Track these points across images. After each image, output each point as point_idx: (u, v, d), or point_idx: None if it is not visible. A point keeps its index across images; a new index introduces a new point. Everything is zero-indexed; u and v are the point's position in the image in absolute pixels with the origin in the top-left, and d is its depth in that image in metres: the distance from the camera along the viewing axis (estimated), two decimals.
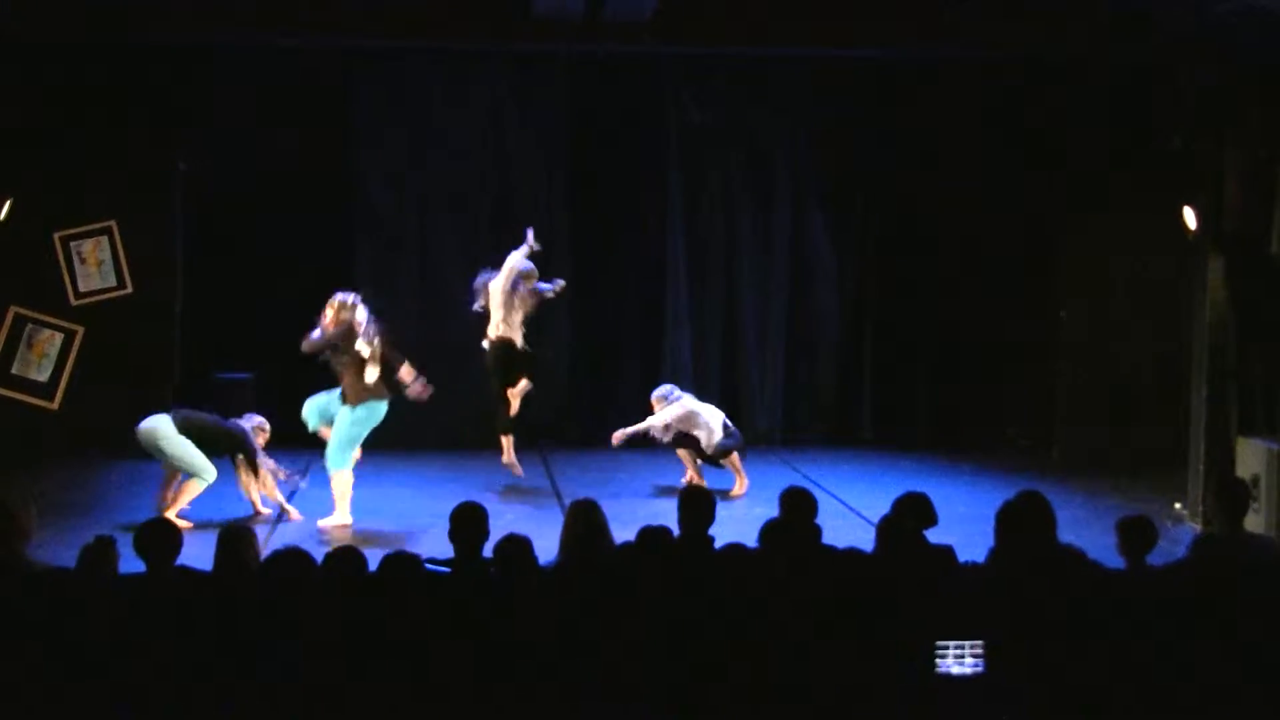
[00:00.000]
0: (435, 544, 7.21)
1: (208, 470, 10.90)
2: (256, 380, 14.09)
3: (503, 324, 12.53)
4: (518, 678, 6.04)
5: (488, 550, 6.69)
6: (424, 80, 14.82)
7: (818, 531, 7.20)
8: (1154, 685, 6.30)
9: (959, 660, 6.17)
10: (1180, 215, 11.88)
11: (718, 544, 6.99)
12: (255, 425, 11.30)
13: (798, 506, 7.30)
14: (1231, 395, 11.56)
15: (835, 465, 13.80)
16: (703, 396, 13.69)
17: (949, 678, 6.16)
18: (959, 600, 6.50)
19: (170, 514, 10.57)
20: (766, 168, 15.50)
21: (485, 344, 12.68)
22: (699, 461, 12.53)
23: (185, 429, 10.92)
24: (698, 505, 7.17)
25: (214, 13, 11.38)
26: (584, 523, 7.09)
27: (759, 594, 6.40)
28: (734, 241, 15.53)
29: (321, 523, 10.88)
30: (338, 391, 11.10)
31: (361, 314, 11.01)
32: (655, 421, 12.43)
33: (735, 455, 12.48)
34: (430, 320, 15.02)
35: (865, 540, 7.28)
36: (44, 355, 14.00)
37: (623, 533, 7.15)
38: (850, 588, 6.51)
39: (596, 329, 15.12)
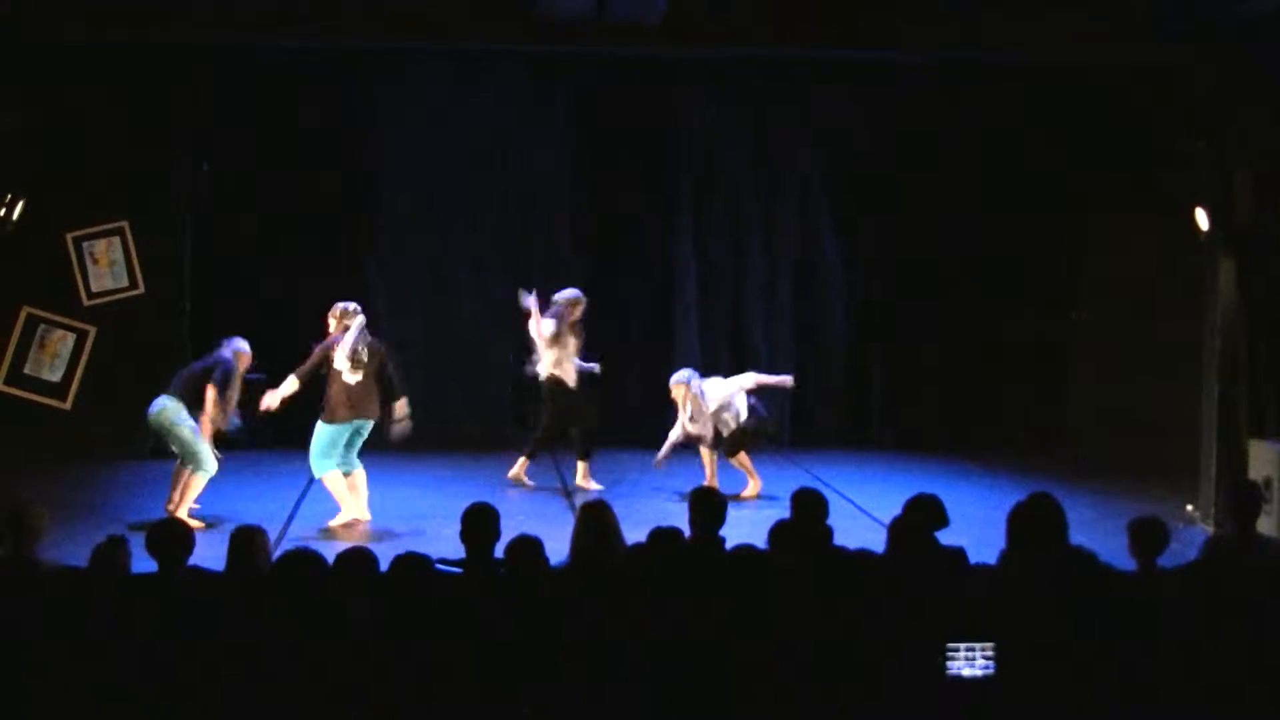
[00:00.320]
0: (446, 544, 7.20)
1: (208, 463, 10.89)
2: (267, 381, 14.07)
3: (554, 364, 12.57)
4: (528, 678, 6.04)
5: (499, 551, 6.70)
6: (434, 81, 14.84)
7: (829, 533, 7.20)
8: (1165, 687, 6.29)
9: (970, 662, 6.16)
10: (1191, 216, 11.87)
11: (729, 545, 6.99)
12: (235, 349, 11.24)
13: (809, 508, 7.29)
14: (1242, 397, 11.53)
15: (846, 466, 13.79)
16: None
17: (960, 679, 6.16)
18: (970, 602, 6.49)
19: (180, 513, 10.59)
20: (775, 169, 15.53)
21: (540, 376, 12.73)
22: (717, 454, 12.47)
23: (182, 396, 10.93)
24: (708, 506, 7.17)
25: (225, 13, 11.39)
26: (595, 524, 7.09)
27: (770, 595, 6.40)
28: (742, 243, 15.55)
29: (331, 523, 10.87)
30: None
31: (357, 324, 11.00)
32: (678, 431, 12.42)
33: (746, 456, 12.46)
34: (439, 321, 15.09)
35: (876, 542, 7.28)
36: (56, 355, 14.03)
37: (634, 533, 7.16)
38: (861, 589, 6.50)
39: (604, 331, 15.12)
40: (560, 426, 12.80)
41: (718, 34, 11.84)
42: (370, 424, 11.12)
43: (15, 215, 13.42)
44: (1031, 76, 14.08)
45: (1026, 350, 15.19)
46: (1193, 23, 11.06)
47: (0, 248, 13.58)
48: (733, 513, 7.35)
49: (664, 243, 15.43)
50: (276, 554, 6.87)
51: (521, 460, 12.79)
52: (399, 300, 14.91)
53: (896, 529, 7.04)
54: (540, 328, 12.59)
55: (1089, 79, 13.68)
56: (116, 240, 14.11)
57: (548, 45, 12.60)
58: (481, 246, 15.18)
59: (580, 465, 12.79)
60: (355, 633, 6.03)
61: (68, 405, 14.06)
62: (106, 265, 14.12)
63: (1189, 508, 11.74)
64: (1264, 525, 7.60)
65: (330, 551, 6.48)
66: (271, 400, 11.01)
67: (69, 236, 14.02)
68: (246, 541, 6.63)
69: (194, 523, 10.13)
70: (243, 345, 11.31)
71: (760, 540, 6.96)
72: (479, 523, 6.78)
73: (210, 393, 10.92)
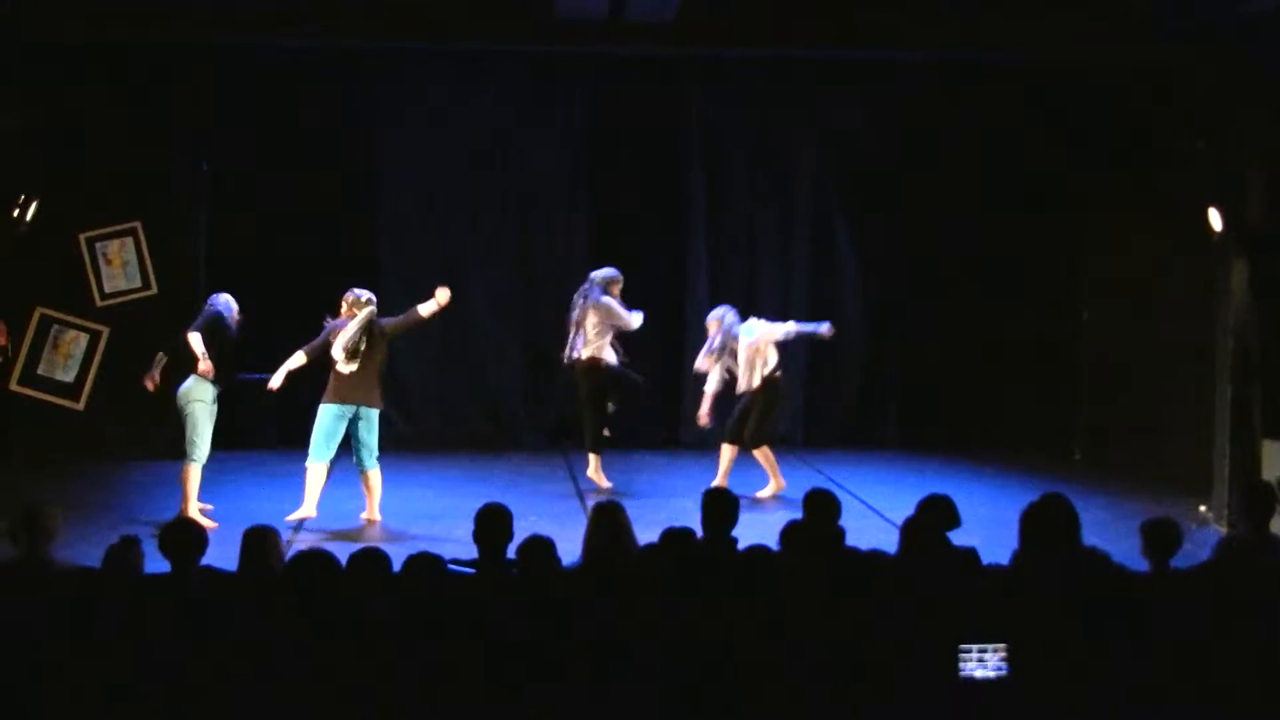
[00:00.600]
0: (459, 545, 7.21)
1: (200, 451, 10.89)
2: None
3: (592, 345, 12.46)
4: (540, 679, 6.05)
5: (511, 551, 6.71)
6: (437, 81, 14.86)
7: (841, 533, 7.20)
8: (1178, 688, 6.28)
9: (982, 662, 6.15)
10: (1195, 215, 11.85)
11: (741, 546, 6.99)
12: (220, 302, 11.26)
13: (821, 508, 7.30)
14: (1256, 397, 11.51)
15: (858, 467, 13.78)
16: (724, 397, 13.67)
17: (972, 680, 6.15)
18: (982, 603, 6.48)
19: (190, 511, 10.60)
20: (788, 168, 15.53)
21: (577, 363, 12.58)
22: (735, 451, 12.45)
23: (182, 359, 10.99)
24: (720, 507, 7.17)
25: (229, 14, 11.41)
26: (607, 524, 7.10)
27: (782, 596, 6.40)
28: (754, 242, 15.56)
29: (289, 517, 10.84)
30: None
31: (365, 313, 11.01)
32: (713, 380, 12.42)
33: (770, 452, 12.41)
34: (451, 321, 15.04)
35: (889, 542, 7.28)
36: (69, 356, 14.06)
37: (646, 534, 7.16)
38: (873, 590, 6.50)
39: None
40: (599, 403, 12.60)
41: (727, 33, 11.84)
42: (374, 413, 11.11)
43: (29, 216, 13.44)
44: (1033, 76, 14.09)
45: (1037, 350, 15.17)
46: (1193, 23, 11.05)
47: (14, 248, 13.62)
48: (745, 514, 7.36)
49: (672, 243, 15.43)
50: (289, 554, 6.88)
51: (594, 460, 12.64)
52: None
53: (909, 529, 7.03)
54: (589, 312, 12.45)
55: (1089, 79, 13.67)
56: (129, 241, 14.13)
57: (560, 45, 12.61)
58: (488, 247, 15.18)
59: (593, 458, 12.67)
60: (367, 633, 6.04)
61: (81, 406, 14.08)
62: (119, 266, 14.14)
63: (1202, 508, 11.72)
64: (1277, 526, 7.57)
65: (343, 552, 6.49)
66: (277, 377, 11.04)
67: (82, 237, 14.04)
68: (259, 541, 6.65)
69: (206, 522, 10.16)
70: (220, 298, 11.29)
71: (772, 541, 6.95)
72: (491, 523, 6.79)
73: (194, 339, 10.91)
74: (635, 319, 12.50)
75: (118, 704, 5.94)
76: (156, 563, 6.62)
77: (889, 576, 6.69)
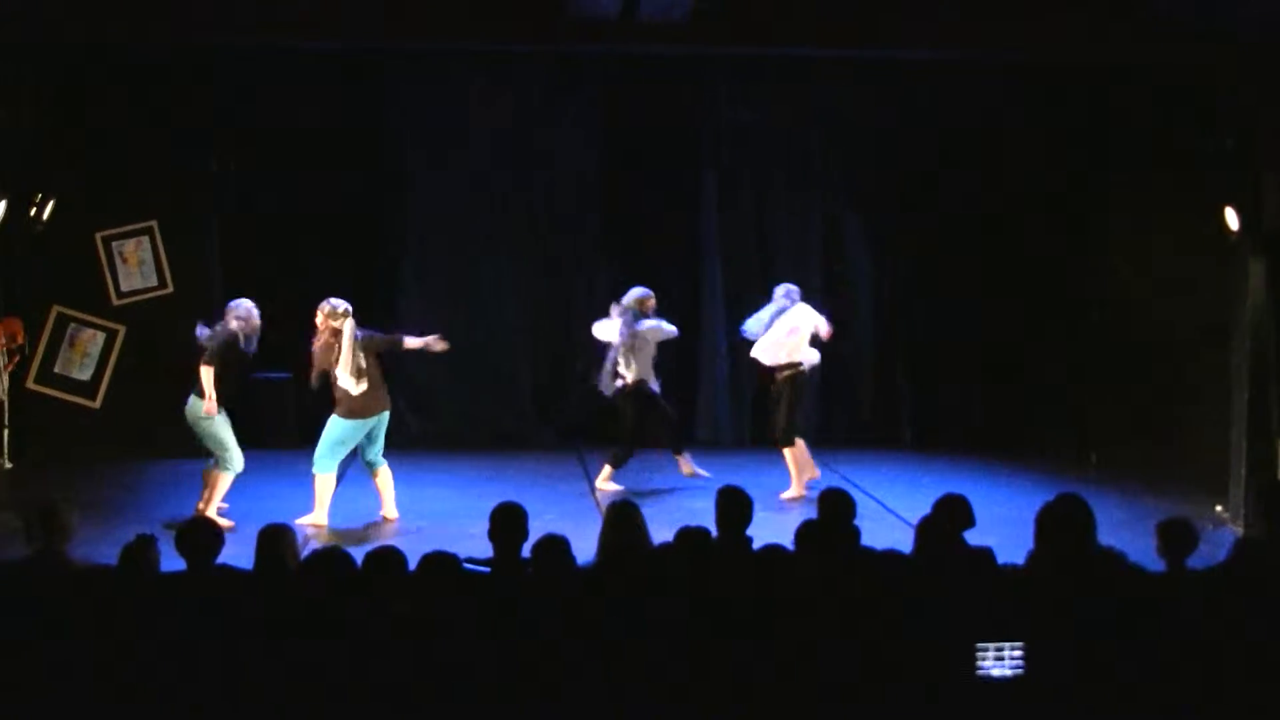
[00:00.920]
0: (474, 544, 7.22)
1: (235, 460, 10.93)
2: (295, 380, 14.16)
3: (635, 370, 12.45)
4: (555, 678, 6.05)
5: (526, 550, 6.71)
6: (460, 80, 14.86)
7: (856, 533, 7.19)
8: (1194, 688, 6.26)
9: (998, 662, 6.15)
10: (1221, 215, 11.82)
11: (756, 545, 6.99)
12: (234, 316, 11.08)
13: (836, 508, 7.29)
14: (1273, 397, 11.48)
15: (874, 467, 13.76)
16: (736, 397, 13.72)
17: (988, 680, 6.14)
18: (998, 602, 6.48)
19: (209, 511, 10.62)
20: (802, 168, 15.51)
21: (617, 389, 12.58)
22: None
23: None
24: (735, 506, 7.17)
25: (255, 15, 11.42)
26: (622, 523, 7.10)
27: (797, 595, 6.40)
28: (769, 241, 15.55)
29: (299, 520, 10.88)
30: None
31: (348, 328, 10.97)
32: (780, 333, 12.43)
33: (796, 454, 12.40)
34: (469, 320, 15.09)
35: (904, 542, 7.27)
36: (86, 354, 14.10)
37: (661, 533, 7.16)
38: (889, 589, 6.50)
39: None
40: (641, 430, 12.60)
41: (740, 33, 11.83)
42: (386, 415, 11.14)
43: (45, 215, 13.48)
44: (1050, 76, 14.05)
45: (1053, 350, 15.14)
46: (1212, 23, 11.01)
47: (31, 247, 13.66)
48: (760, 513, 7.35)
49: (686, 242, 15.42)
50: (304, 553, 6.90)
51: (606, 469, 12.63)
52: (426, 299, 14.94)
53: (924, 529, 7.03)
54: (615, 331, 12.46)
55: (1106, 79, 13.63)
56: (145, 240, 14.16)
57: (573, 45, 12.61)
58: (503, 246, 15.19)
59: (679, 459, 12.64)
60: (383, 631, 6.05)
61: (97, 404, 14.12)
62: (136, 265, 14.17)
63: (1218, 508, 11.69)
64: None
65: (359, 551, 6.50)
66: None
67: (98, 236, 14.08)
68: (274, 540, 6.66)
69: (223, 521, 10.18)
70: (240, 309, 11.14)
71: (787, 540, 6.95)
72: (506, 522, 6.80)
73: (205, 375, 10.83)
74: (668, 327, 12.57)
75: (130, 700, 5.96)
76: (173, 561, 6.64)
77: (904, 576, 6.68)
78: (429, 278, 15.04)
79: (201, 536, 6.60)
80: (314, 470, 11.04)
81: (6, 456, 13.42)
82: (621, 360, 12.46)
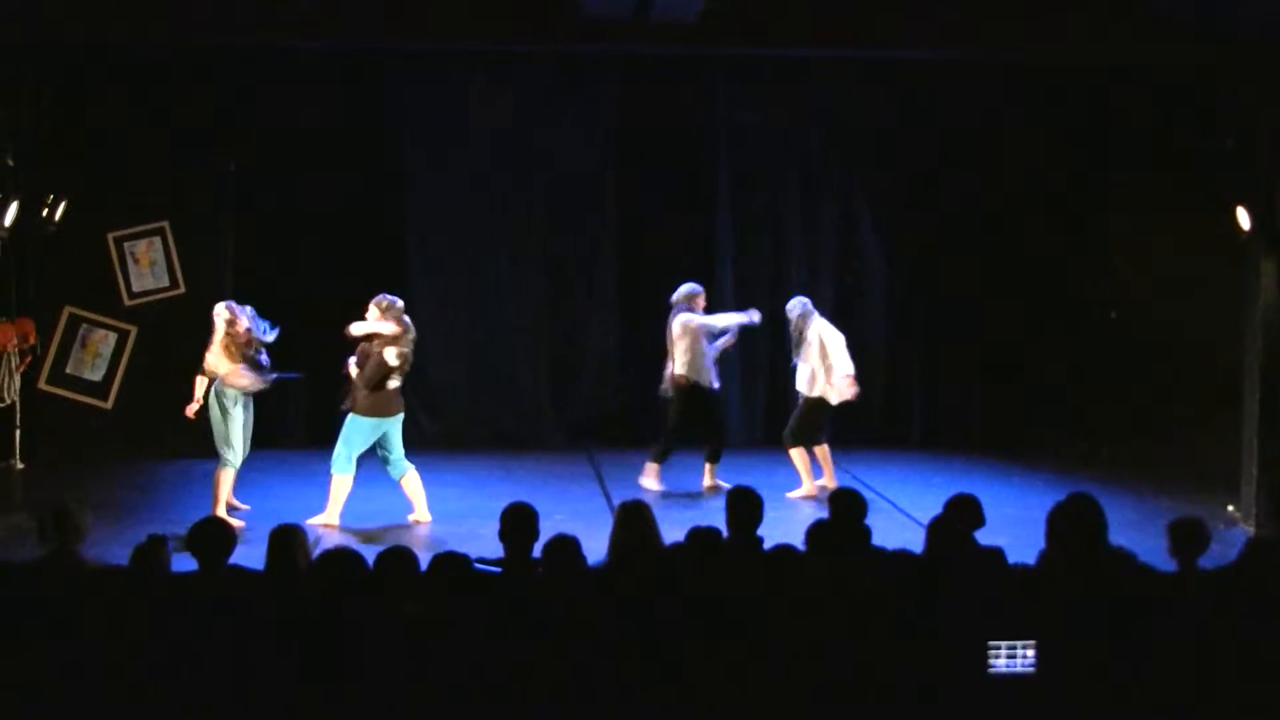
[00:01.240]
0: (485, 544, 7.22)
1: (232, 456, 10.96)
2: (306, 380, 14.20)
3: (680, 363, 12.45)
4: (566, 678, 6.06)
5: (537, 550, 6.72)
6: (464, 80, 14.88)
7: (867, 532, 7.19)
8: (1205, 688, 6.26)
9: (1009, 662, 6.15)
10: (1224, 215, 11.81)
11: (767, 545, 6.99)
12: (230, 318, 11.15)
13: (847, 508, 7.29)
14: None
15: (884, 466, 13.76)
16: (749, 398, 13.71)
17: (999, 679, 6.14)
18: (1008, 602, 6.47)
19: (219, 511, 10.64)
20: (813, 168, 15.52)
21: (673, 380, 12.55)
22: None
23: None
24: (746, 506, 7.17)
25: (266, 14, 11.43)
26: (633, 523, 7.10)
27: (808, 595, 6.40)
28: (780, 242, 15.55)
29: (310, 520, 10.91)
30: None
31: (406, 320, 11.07)
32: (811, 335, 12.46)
33: (803, 453, 12.41)
34: (478, 320, 15.11)
35: (915, 542, 7.27)
36: (98, 355, 14.13)
37: (672, 533, 7.16)
38: (900, 589, 6.50)
39: (643, 329, 15.14)
40: (687, 429, 12.58)
41: (750, 33, 11.82)
42: (401, 417, 11.18)
43: (58, 216, 13.51)
44: (1059, 76, 14.06)
45: (1064, 349, 15.13)
46: (1219, 22, 10.99)
47: (43, 248, 13.70)
48: (771, 512, 7.35)
49: (697, 242, 15.41)
50: (316, 553, 6.91)
51: (651, 466, 12.57)
52: (436, 300, 14.95)
53: (935, 529, 7.02)
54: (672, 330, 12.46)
55: (1115, 79, 13.63)
56: (157, 240, 14.20)
57: (585, 45, 12.61)
58: (514, 246, 15.20)
59: (708, 467, 12.59)
60: (394, 631, 6.06)
61: (109, 405, 14.16)
62: (147, 265, 14.20)
63: (1230, 508, 11.67)
64: None
65: (370, 551, 6.51)
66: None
67: (110, 237, 14.11)
68: (286, 540, 6.67)
69: (234, 521, 10.19)
70: (224, 310, 11.19)
71: (798, 540, 6.95)
72: (517, 522, 6.80)
73: (200, 381, 11.04)
74: (723, 319, 12.61)
75: (142, 699, 5.98)
76: (185, 562, 6.65)
77: (915, 576, 6.68)
78: (435, 277, 15.04)
79: (213, 537, 6.61)
80: (332, 470, 11.05)
81: (19, 457, 13.46)
82: (671, 356, 12.43)
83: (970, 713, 6.22)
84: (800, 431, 12.44)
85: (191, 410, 11.13)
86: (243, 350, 11.00)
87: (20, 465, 13.41)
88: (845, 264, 15.61)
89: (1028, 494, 11.96)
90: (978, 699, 6.19)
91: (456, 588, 6.28)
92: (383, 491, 11.45)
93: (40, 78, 13.42)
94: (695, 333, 12.38)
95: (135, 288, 14.18)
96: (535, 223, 15.27)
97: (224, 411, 10.93)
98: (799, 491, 12.34)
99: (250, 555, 6.90)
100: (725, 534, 6.99)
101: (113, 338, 14.13)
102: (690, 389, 12.42)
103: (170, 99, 13.88)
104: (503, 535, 6.79)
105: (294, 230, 14.68)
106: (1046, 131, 14.78)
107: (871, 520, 7.30)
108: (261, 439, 11.52)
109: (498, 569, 6.73)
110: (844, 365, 12.41)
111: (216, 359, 10.97)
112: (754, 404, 15.43)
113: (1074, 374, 15.10)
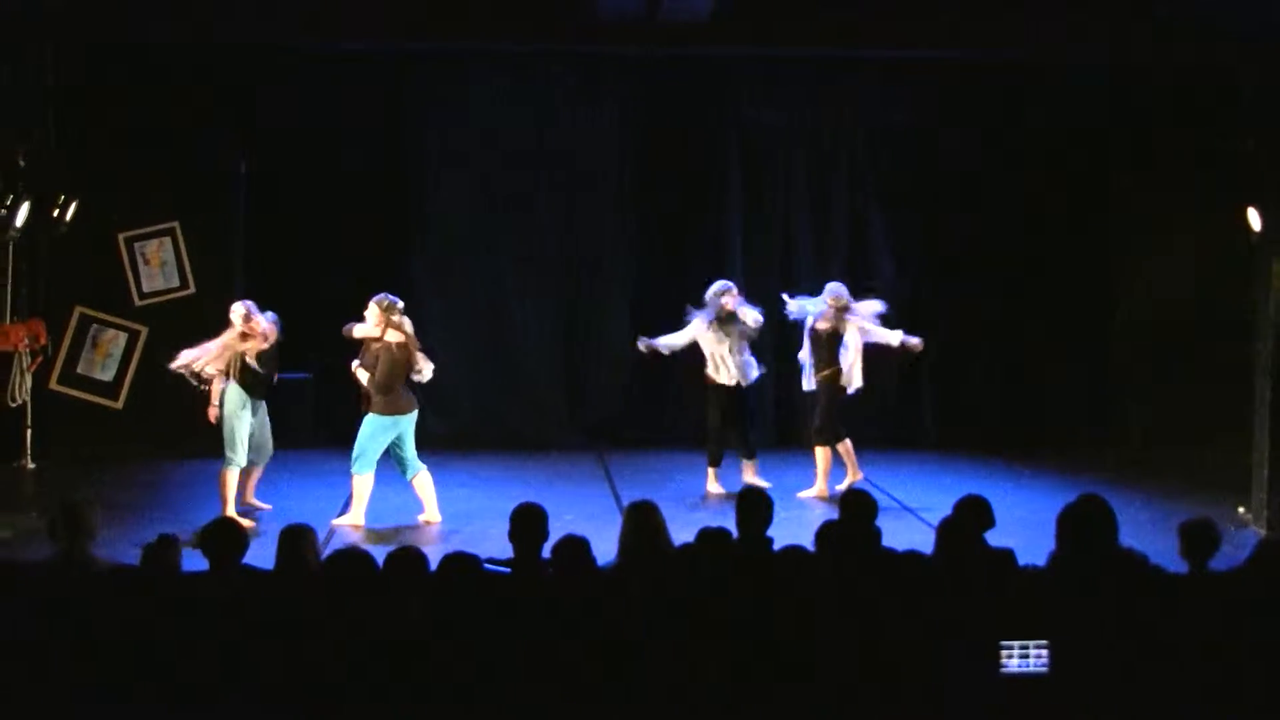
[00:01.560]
0: (495, 544, 7.23)
1: (236, 455, 10.99)
2: (316, 381, 14.21)
3: (710, 365, 12.44)
4: (575, 679, 6.05)
5: (547, 551, 6.71)
6: (483, 81, 14.89)
7: (877, 534, 7.18)
8: (1216, 690, 6.24)
9: (1020, 663, 6.14)
10: (1236, 215, 11.78)
11: (776, 546, 6.99)
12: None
13: (857, 509, 7.28)
14: None
15: (894, 467, 13.73)
16: (759, 398, 13.65)
17: (1010, 680, 6.13)
18: (1019, 603, 6.46)
19: (229, 511, 10.64)
20: (826, 168, 15.49)
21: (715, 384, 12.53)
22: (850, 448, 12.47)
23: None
24: (756, 507, 7.16)
25: (279, 14, 11.45)
26: (642, 524, 7.09)
27: (818, 596, 6.39)
28: (793, 242, 15.53)
29: (335, 520, 10.92)
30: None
31: (408, 324, 11.08)
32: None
33: (829, 455, 12.38)
34: (491, 321, 15.11)
35: (925, 543, 7.26)
36: (108, 355, 14.15)
37: (681, 534, 7.16)
38: (910, 590, 6.49)
39: (655, 330, 15.12)
40: (723, 428, 12.56)
41: (762, 33, 11.83)
42: (415, 415, 11.19)
43: (68, 216, 13.53)
44: (1072, 76, 14.04)
45: (1075, 350, 15.11)
46: (1236, 24, 10.98)
47: (53, 248, 13.72)
48: (781, 513, 7.34)
49: (711, 241, 15.40)
50: (325, 553, 6.91)
51: (711, 473, 12.56)
52: (448, 300, 14.96)
53: (945, 530, 7.01)
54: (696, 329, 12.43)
55: (1128, 79, 13.62)
56: (167, 240, 14.21)
57: (599, 46, 12.61)
58: (528, 246, 15.19)
59: (746, 463, 12.56)
60: (402, 632, 6.06)
61: (120, 405, 14.17)
62: (158, 265, 14.22)
63: (1241, 510, 11.64)
64: None
65: (380, 551, 6.51)
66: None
67: (121, 237, 14.13)
68: (295, 541, 6.67)
69: (246, 521, 10.20)
70: (237, 316, 11.24)
71: (808, 542, 6.95)
72: (527, 523, 6.80)
73: (217, 384, 11.13)
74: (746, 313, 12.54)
75: (152, 700, 5.98)
76: (195, 561, 6.66)
77: (925, 577, 6.67)
78: (448, 278, 15.04)
79: (224, 537, 6.62)
80: (352, 471, 11.06)
81: (30, 457, 13.48)
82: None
83: (980, 714, 6.21)
84: (825, 428, 12.40)
85: (213, 415, 11.15)
86: (244, 356, 11.01)
87: (31, 465, 13.43)
88: (856, 262, 15.57)
89: (1038, 495, 11.94)
90: (986, 701, 6.18)
91: (465, 588, 6.27)
92: (394, 491, 11.45)
93: (51, 78, 13.44)
94: (720, 335, 12.32)
95: (146, 288, 14.20)
96: (549, 223, 15.26)
97: (230, 412, 10.95)
98: (810, 491, 12.32)
99: (263, 556, 6.91)
100: (735, 535, 6.99)
101: (123, 338, 14.15)
102: (708, 387, 12.45)
103: (181, 100, 13.89)
104: (512, 536, 6.79)
105: (305, 231, 14.68)
106: (1060, 131, 14.75)
107: (881, 521, 7.29)
108: (273, 439, 11.55)
109: (507, 569, 6.73)
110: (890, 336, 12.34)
111: (204, 352, 10.98)
112: (764, 404, 15.39)
113: (1085, 375, 15.08)
